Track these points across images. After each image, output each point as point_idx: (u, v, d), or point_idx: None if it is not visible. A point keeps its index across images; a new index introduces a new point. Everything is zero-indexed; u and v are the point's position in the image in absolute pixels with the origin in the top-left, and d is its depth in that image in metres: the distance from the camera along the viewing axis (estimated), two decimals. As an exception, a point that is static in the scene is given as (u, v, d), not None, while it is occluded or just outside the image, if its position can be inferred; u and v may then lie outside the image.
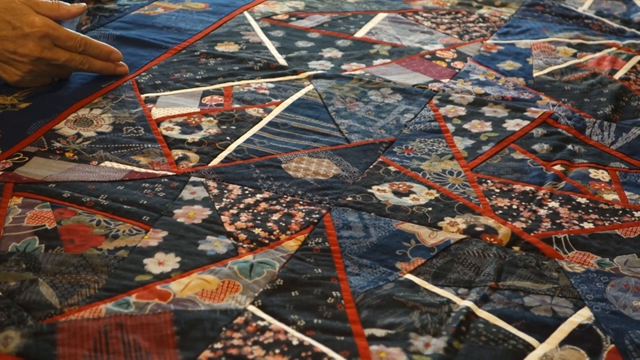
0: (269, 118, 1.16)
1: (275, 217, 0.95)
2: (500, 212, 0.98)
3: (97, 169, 1.03)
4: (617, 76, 1.32)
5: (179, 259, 0.88)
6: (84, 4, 1.18)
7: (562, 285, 0.87)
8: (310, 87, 1.24)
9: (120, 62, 1.23)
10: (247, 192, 0.99)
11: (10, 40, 1.10)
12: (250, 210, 0.96)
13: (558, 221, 0.96)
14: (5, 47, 1.10)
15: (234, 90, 1.23)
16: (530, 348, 0.79)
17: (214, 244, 0.90)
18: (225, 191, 0.99)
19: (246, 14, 1.50)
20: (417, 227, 0.95)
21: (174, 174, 1.02)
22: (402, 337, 0.79)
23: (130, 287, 0.84)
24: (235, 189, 1.00)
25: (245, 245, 0.90)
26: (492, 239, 0.93)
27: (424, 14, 1.53)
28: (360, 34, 1.44)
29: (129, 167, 1.03)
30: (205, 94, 1.22)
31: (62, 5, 1.16)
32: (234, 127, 1.13)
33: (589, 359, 0.78)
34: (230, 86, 1.24)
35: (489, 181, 1.04)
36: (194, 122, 1.14)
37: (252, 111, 1.17)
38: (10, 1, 1.10)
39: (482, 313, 0.82)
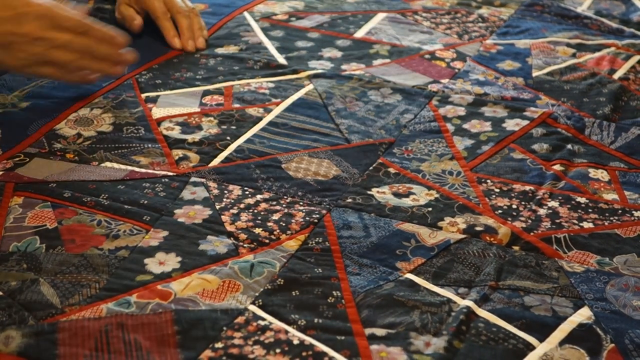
0: (269, 118, 1.16)
1: (275, 217, 0.95)
2: (500, 211, 0.98)
3: (97, 169, 1.03)
4: (616, 76, 1.32)
5: (179, 258, 0.88)
6: None
7: (562, 284, 0.87)
8: (310, 86, 1.25)
9: (126, 49, 1.17)
10: (247, 192, 1.00)
11: (8, 21, 1.05)
12: (251, 210, 0.96)
13: (558, 221, 0.97)
14: (5, 28, 1.06)
15: (234, 89, 1.23)
16: (531, 347, 0.79)
17: (215, 244, 0.90)
18: (226, 191, 0.99)
19: (246, 14, 1.50)
20: (417, 227, 0.95)
21: (174, 174, 1.03)
22: (403, 336, 0.79)
23: (131, 287, 0.84)
24: (236, 190, 1.00)
25: (245, 245, 0.90)
26: (492, 239, 0.93)
27: (424, 14, 1.54)
28: (359, 34, 1.44)
29: (129, 167, 1.03)
30: (205, 93, 1.22)
31: None
32: (234, 127, 1.13)
33: (589, 358, 0.78)
34: (230, 86, 1.24)
35: (488, 181, 1.04)
36: (194, 122, 1.14)
37: (252, 111, 1.17)
38: None
39: (483, 312, 0.83)
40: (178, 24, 1.36)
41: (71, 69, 1.12)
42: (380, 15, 1.52)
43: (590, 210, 0.99)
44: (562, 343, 0.80)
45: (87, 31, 1.11)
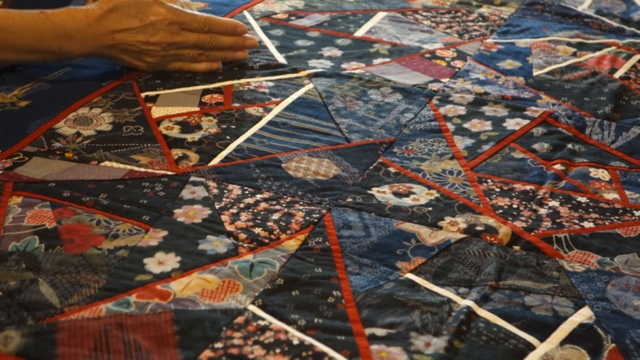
0: (269, 117, 1.16)
1: (275, 216, 0.95)
2: (500, 211, 0.98)
3: (96, 168, 1.03)
4: (617, 75, 1.32)
5: (179, 258, 0.88)
6: None
7: (562, 284, 0.87)
8: (310, 85, 1.24)
9: (247, 35, 1.26)
10: (247, 192, 0.99)
11: (140, 32, 1.15)
12: (250, 210, 0.96)
13: (558, 220, 0.96)
14: (137, 39, 1.15)
15: (233, 88, 1.23)
16: (531, 347, 0.79)
17: (214, 244, 0.90)
18: (225, 191, 0.99)
19: (246, 13, 1.50)
20: (417, 227, 0.95)
21: (174, 173, 1.02)
22: (403, 336, 0.79)
23: (131, 287, 0.84)
24: (235, 189, 1.00)
25: (245, 245, 0.90)
26: (492, 239, 0.93)
27: (424, 13, 1.53)
28: (360, 33, 1.44)
29: (129, 167, 1.03)
30: (205, 92, 1.22)
31: None
32: (233, 127, 1.13)
33: (589, 358, 0.78)
34: (230, 85, 1.24)
35: (489, 180, 1.04)
36: (193, 121, 1.14)
37: (252, 110, 1.17)
38: None
39: (483, 312, 0.82)
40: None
41: (198, 61, 1.23)
42: (381, 14, 1.52)
43: (591, 209, 0.99)
44: (562, 343, 0.79)
45: (212, 27, 1.21)
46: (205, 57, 1.23)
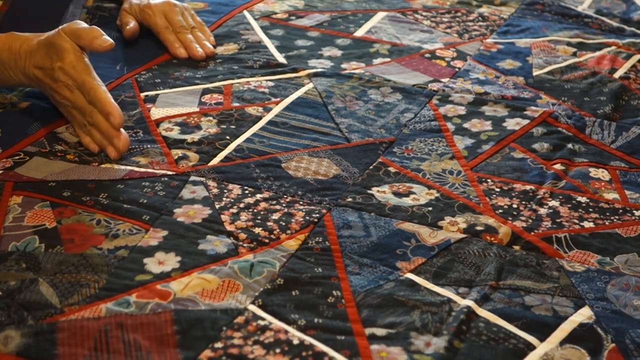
0: (268, 117, 1.16)
1: (275, 216, 0.95)
2: (500, 211, 0.98)
3: (97, 168, 1.03)
4: (617, 75, 1.32)
5: (179, 258, 0.88)
6: (111, 41, 1.08)
7: (562, 284, 0.87)
8: (310, 85, 1.24)
9: (121, 132, 1.04)
10: (247, 191, 0.99)
11: (47, 75, 1.07)
12: (250, 210, 0.96)
13: (558, 220, 0.96)
14: (46, 80, 1.08)
15: (233, 88, 1.23)
16: (531, 347, 0.79)
17: (214, 244, 0.90)
18: (225, 191, 0.99)
19: (245, 13, 1.50)
20: (417, 227, 0.95)
21: (174, 173, 1.02)
22: (403, 336, 0.79)
23: (131, 287, 0.83)
24: (235, 189, 1.00)
25: (245, 245, 0.90)
26: (492, 238, 0.93)
27: (424, 13, 1.53)
28: (359, 32, 1.44)
29: (129, 167, 1.03)
30: (205, 92, 1.21)
31: (97, 38, 1.07)
32: (233, 127, 1.13)
33: (589, 358, 0.78)
34: (230, 84, 1.24)
35: (489, 180, 1.04)
36: (193, 121, 1.14)
37: (252, 110, 1.17)
38: (57, 34, 1.06)
39: (483, 312, 0.82)
40: (181, 40, 1.34)
41: (84, 132, 1.07)
42: (381, 14, 1.52)
43: (591, 209, 0.99)
44: (562, 343, 0.79)
45: (92, 99, 1.05)
46: (89, 133, 1.07)
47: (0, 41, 1.08)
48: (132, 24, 1.35)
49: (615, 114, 1.20)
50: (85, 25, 1.08)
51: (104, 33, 1.07)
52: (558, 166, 1.07)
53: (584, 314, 0.83)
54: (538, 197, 1.00)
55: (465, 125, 1.16)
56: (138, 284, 0.84)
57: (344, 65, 1.32)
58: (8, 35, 1.09)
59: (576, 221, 0.97)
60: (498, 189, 1.02)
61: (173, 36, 1.33)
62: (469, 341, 0.79)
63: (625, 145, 1.13)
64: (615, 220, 0.97)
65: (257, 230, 0.93)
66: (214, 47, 1.35)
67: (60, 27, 1.07)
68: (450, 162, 1.07)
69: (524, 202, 0.99)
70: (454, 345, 0.78)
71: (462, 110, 1.19)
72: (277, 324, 0.80)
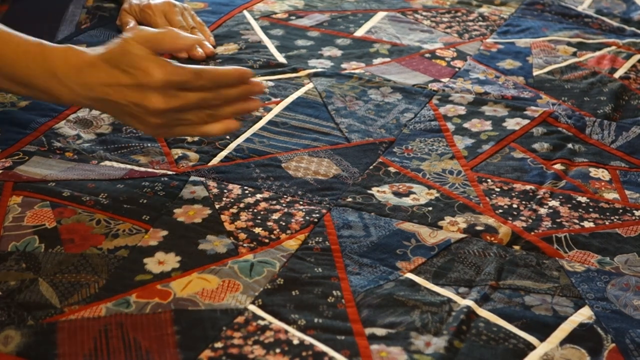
0: (268, 117, 1.16)
1: (275, 216, 0.95)
2: (500, 211, 0.98)
3: (96, 167, 1.03)
4: (617, 75, 1.32)
5: (179, 258, 0.88)
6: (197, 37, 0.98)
7: (562, 284, 0.87)
8: (310, 85, 1.24)
9: (253, 80, 0.97)
10: (247, 191, 0.99)
11: (131, 91, 0.92)
12: (250, 210, 0.96)
13: (558, 220, 0.96)
14: (129, 98, 0.92)
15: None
16: (531, 347, 0.79)
17: (214, 244, 0.90)
18: (225, 191, 0.99)
19: (245, 13, 1.50)
20: (417, 227, 0.95)
21: (174, 173, 1.02)
22: (403, 336, 0.79)
23: (131, 287, 0.83)
24: (235, 189, 1.00)
25: (245, 245, 0.90)
26: (492, 238, 0.93)
27: (424, 13, 1.53)
28: (359, 32, 1.44)
29: (129, 166, 1.03)
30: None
31: (179, 38, 0.95)
32: (233, 126, 1.13)
33: (589, 358, 0.78)
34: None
35: (489, 180, 1.04)
36: (193, 121, 1.14)
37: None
38: (125, 43, 0.92)
39: (483, 312, 0.82)
40: None
41: (209, 122, 0.97)
42: (381, 14, 1.52)
43: (591, 209, 0.99)
44: (562, 343, 0.79)
45: (215, 81, 0.95)
46: (216, 118, 0.97)
47: (57, 51, 0.95)
48: (132, 24, 1.35)
49: (615, 114, 1.20)
50: (152, 29, 0.96)
51: (179, 31, 0.96)
52: (558, 166, 1.07)
53: (584, 314, 0.83)
54: (538, 197, 1.00)
55: (465, 125, 1.16)
56: (138, 284, 0.84)
57: (344, 65, 1.32)
58: (65, 48, 0.96)
59: (576, 221, 0.96)
60: (498, 189, 1.02)
61: None
62: (469, 341, 0.79)
63: (625, 145, 1.13)
64: (615, 220, 0.97)
65: (257, 230, 0.93)
66: (214, 47, 1.35)
67: (125, 34, 0.93)
68: (450, 162, 1.07)
69: (524, 202, 0.99)
70: (454, 345, 0.78)
71: (462, 110, 1.19)
72: (277, 324, 0.80)
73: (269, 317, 0.80)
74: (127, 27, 1.35)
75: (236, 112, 0.98)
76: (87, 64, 0.93)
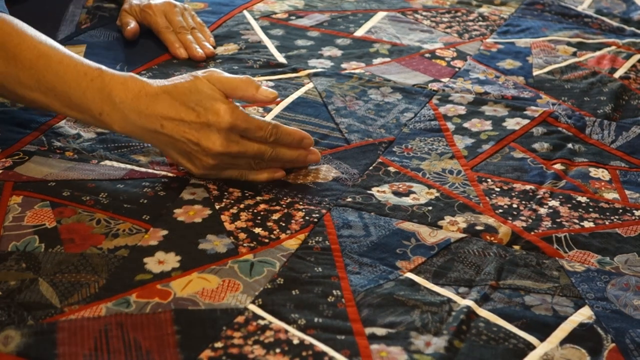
0: (268, 117, 1.16)
1: (275, 216, 0.95)
2: (500, 211, 0.98)
3: (97, 167, 1.03)
4: (617, 75, 1.32)
5: (179, 258, 0.88)
6: (275, 93, 0.99)
7: (562, 284, 0.87)
8: (310, 85, 1.24)
9: (312, 149, 1.03)
10: (247, 194, 0.99)
11: (193, 129, 0.94)
12: (250, 210, 0.96)
13: (558, 220, 0.96)
14: (188, 136, 0.94)
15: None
16: (531, 347, 0.79)
17: (214, 243, 0.90)
18: (226, 193, 0.99)
19: (245, 13, 1.50)
20: (417, 226, 0.95)
21: (174, 175, 1.02)
22: (403, 336, 0.79)
23: (131, 287, 0.83)
24: (236, 192, 0.99)
25: (245, 245, 0.90)
26: (492, 238, 0.93)
27: (424, 13, 1.53)
28: (359, 32, 1.44)
29: (129, 166, 1.03)
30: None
31: (251, 86, 0.97)
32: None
33: (589, 358, 0.78)
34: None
35: (489, 180, 1.04)
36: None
37: (252, 110, 1.17)
38: (198, 81, 0.95)
39: (483, 312, 0.82)
40: (181, 41, 1.34)
41: (256, 169, 1.01)
42: (381, 14, 1.52)
43: (590, 209, 0.99)
44: (562, 343, 0.79)
45: (278, 138, 0.99)
46: (264, 165, 1.00)
47: (116, 78, 0.96)
48: (132, 25, 1.35)
49: (615, 114, 1.20)
50: (228, 74, 0.97)
51: (255, 80, 0.98)
52: (558, 166, 1.07)
53: (584, 314, 0.83)
54: (538, 196, 1.00)
55: (465, 125, 1.16)
56: (138, 284, 0.84)
57: (344, 65, 1.32)
58: (126, 76, 0.97)
59: (576, 221, 0.97)
60: (498, 189, 1.02)
61: (173, 36, 1.33)
62: (469, 341, 0.79)
63: (625, 145, 1.13)
64: (615, 220, 0.97)
65: (257, 230, 0.93)
66: (214, 47, 1.35)
67: (196, 73, 0.96)
68: (450, 161, 1.07)
69: (524, 202, 0.99)
70: (454, 345, 0.78)
71: (462, 110, 1.19)
72: (277, 323, 0.80)
73: (269, 317, 0.80)
74: (128, 27, 1.35)
75: (284, 166, 1.02)
76: (147, 94, 0.94)
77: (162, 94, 0.94)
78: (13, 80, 0.98)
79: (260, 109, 1.17)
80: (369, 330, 0.79)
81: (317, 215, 0.95)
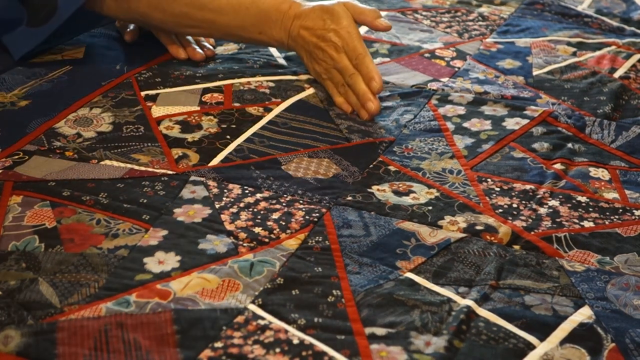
0: (269, 117, 1.16)
1: (275, 215, 0.95)
2: (500, 210, 0.98)
3: (96, 167, 1.03)
4: (616, 75, 1.32)
5: (179, 257, 0.88)
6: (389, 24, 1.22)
7: (562, 284, 0.87)
8: (311, 90, 1.24)
9: (372, 98, 1.16)
10: (247, 191, 0.99)
11: (316, 35, 1.18)
12: (250, 209, 0.96)
13: (558, 220, 0.96)
14: (311, 39, 1.19)
15: (234, 88, 1.23)
16: (531, 347, 0.79)
17: (214, 243, 0.90)
18: (225, 190, 0.99)
19: (246, 12, 1.50)
20: (417, 226, 0.95)
21: (174, 172, 1.02)
22: (403, 336, 0.79)
23: (131, 286, 0.83)
24: (235, 189, 1.00)
25: (245, 244, 0.90)
26: (492, 238, 0.93)
27: (424, 13, 1.53)
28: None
29: (129, 166, 1.03)
30: (205, 91, 1.21)
31: (372, 15, 1.21)
32: (234, 126, 1.13)
33: (589, 357, 0.78)
34: (230, 84, 1.24)
35: (489, 180, 1.04)
36: (194, 120, 1.14)
37: (253, 110, 1.17)
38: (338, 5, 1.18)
39: (483, 312, 0.82)
40: (181, 42, 1.33)
41: (340, 92, 1.20)
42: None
43: (590, 209, 0.99)
44: (562, 342, 0.79)
45: (358, 64, 1.17)
46: (344, 93, 1.19)
47: (270, 2, 1.21)
48: (131, 27, 1.35)
49: (615, 114, 1.20)
50: (362, 5, 1.21)
51: (382, 15, 1.21)
52: (558, 166, 1.07)
53: (584, 314, 0.83)
54: (538, 196, 1.00)
55: (465, 124, 1.16)
56: (138, 284, 0.84)
57: (343, 65, 1.32)
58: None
59: (576, 221, 0.97)
60: (498, 189, 1.02)
61: (173, 37, 1.33)
62: (469, 341, 0.79)
63: (625, 144, 1.13)
64: (615, 219, 0.97)
65: (257, 229, 0.93)
66: (214, 47, 1.35)
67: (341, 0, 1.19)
68: (450, 161, 1.07)
69: (523, 202, 0.99)
70: (454, 345, 0.78)
71: (461, 110, 1.19)
72: (277, 323, 0.80)
73: (268, 317, 0.80)
74: (127, 30, 1.35)
75: (353, 105, 1.18)
76: (295, 14, 1.19)
77: (309, 12, 1.20)
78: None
79: (261, 109, 1.17)
80: (368, 330, 0.79)
81: (317, 214, 0.95)
